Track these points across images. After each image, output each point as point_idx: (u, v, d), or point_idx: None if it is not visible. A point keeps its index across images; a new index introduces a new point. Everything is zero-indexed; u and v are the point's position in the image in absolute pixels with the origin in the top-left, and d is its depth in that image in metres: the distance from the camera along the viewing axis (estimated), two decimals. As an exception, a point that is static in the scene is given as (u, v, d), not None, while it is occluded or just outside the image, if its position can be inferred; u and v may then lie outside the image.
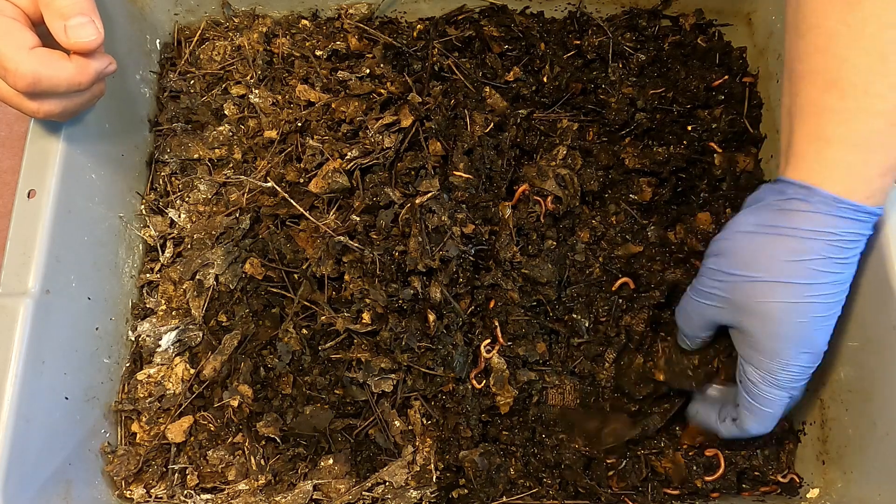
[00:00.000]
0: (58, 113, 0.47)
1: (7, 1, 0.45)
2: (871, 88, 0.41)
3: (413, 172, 0.61)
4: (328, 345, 0.57)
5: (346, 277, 0.57)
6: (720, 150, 0.63)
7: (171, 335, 0.59)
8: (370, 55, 0.66)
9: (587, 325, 0.59)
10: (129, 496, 0.55)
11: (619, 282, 0.60)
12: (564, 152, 0.62)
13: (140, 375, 0.58)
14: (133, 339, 0.59)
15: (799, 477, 0.56)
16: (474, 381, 0.56)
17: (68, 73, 0.45)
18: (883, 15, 0.40)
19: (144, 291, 0.61)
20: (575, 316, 0.59)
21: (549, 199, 0.60)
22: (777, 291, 0.45)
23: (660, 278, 0.60)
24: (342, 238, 0.57)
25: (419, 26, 0.68)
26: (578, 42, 0.67)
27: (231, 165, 0.64)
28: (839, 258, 0.45)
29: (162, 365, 0.58)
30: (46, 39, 0.45)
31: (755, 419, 0.49)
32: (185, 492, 0.55)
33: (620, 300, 0.60)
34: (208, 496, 0.55)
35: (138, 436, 0.57)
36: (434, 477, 0.54)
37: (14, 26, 0.44)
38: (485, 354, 0.56)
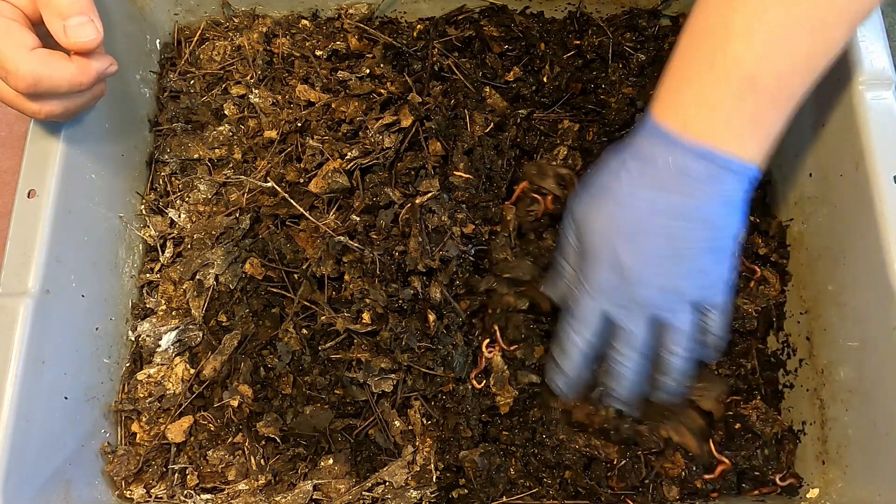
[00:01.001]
0: (59, 113, 0.47)
1: (6, 1, 0.45)
2: (709, 32, 0.45)
3: (413, 172, 0.61)
4: (328, 345, 0.57)
5: (346, 277, 0.57)
6: (720, 150, 0.63)
7: (171, 335, 0.59)
8: (370, 55, 0.66)
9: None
10: (129, 496, 0.55)
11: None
12: (565, 152, 0.62)
13: (140, 375, 0.58)
14: (133, 339, 0.59)
15: (799, 477, 0.56)
16: (474, 381, 0.56)
17: (69, 73, 0.45)
18: None
19: (144, 291, 0.61)
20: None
21: (549, 198, 0.60)
22: (594, 199, 0.49)
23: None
24: (342, 238, 0.57)
25: (419, 26, 0.68)
26: (578, 42, 0.67)
27: (231, 165, 0.64)
28: (643, 178, 0.47)
29: (162, 365, 0.58)
30: (46, 40, 0.45)
31: (570, 320, 0.51)
32: (185, 492, 0.55)
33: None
34: (208, 496, 0.55)
35: (138, 436, 0.57)
36: (434, 477, 0.54)
37: (14, 27, 0.44)
38: (486, 354, 0.56)
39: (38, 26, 0.46)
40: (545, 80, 0.66)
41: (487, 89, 0.64)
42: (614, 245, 0.48)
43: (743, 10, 0.44)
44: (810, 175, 0.57)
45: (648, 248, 0.47)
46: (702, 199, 0.46)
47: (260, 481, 0.54)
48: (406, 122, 0.62)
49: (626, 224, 0.47)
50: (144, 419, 0.57)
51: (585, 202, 0.50)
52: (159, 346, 0.59)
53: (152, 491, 0.55)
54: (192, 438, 0.56)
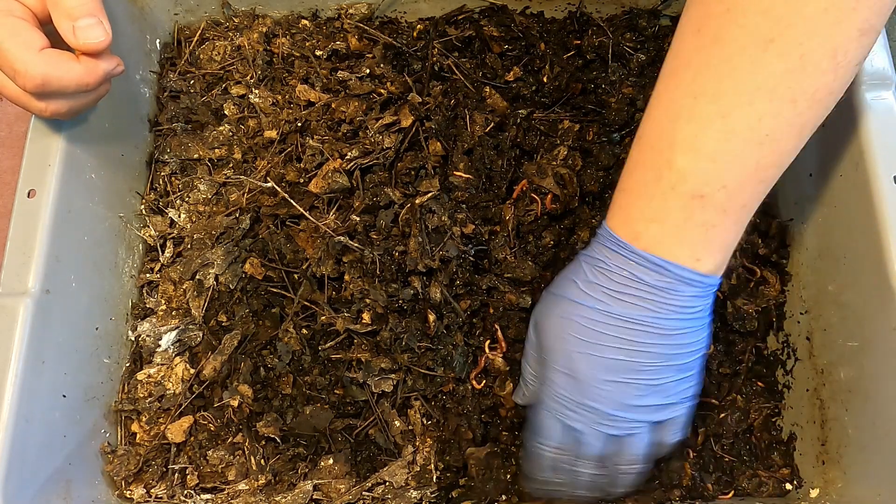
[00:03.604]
0: (64, 112, 0.47)
1: (16, 0, 0.45)
2: (655, 144, 0.44)
3: (413, 172, 0.61)
4: (328, 345, 0.57)
5: (346, 277, 0.57)
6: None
7: (171, 335, 0.59)
8: (370, 55, 0.66)
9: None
10: (129, 496, 0.55)
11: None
12: (565, 152, 0.62)
13: (140, 375, 0.58)
14: (133, 339, 0.59)
15: (799, 477, 0.56)
16: (474, 382, 0.56)
17: (77, 74, 0.45)
18: (689, 85, 0.42)
19: (144, 291, 0.61)
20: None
21: (549, 197, 0.60)
22: (551, 303, 0.48)
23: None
24: (342, 238, 0.57)
25: (419, 26, 0.68)
26: (578, 42, 0.67)
27: (231, 165, 0.64)
28: (597, 283, 0.46)
29: (162, 365, 0.58)
30: (53, 38, 0.45)
31: (532, 429, 0.50)
32: (185, 492, 0.55)
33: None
34: (208, 496, 0.55)
35: (138, 436, 0.57)
36: (434, 477, 0.54)
37: (23, 27, 0.44)
38: (489, 353, 0.56)
39: (46, 25, 0.46)
40: (545, 80, 0.66)
41: (487, 89, 0.64)
42: (568, 348, 0.46)
43: (686, 122, 0.42)
44: (810, 175, 0.57)
45: (602, 354, 0.45)
46: (658, 311, 0.44)
47: (260, 481, 0.54)
48: (406, 122, 0.62)
49: (579, 329, 0.46)
50: (144, 419, 0.57)
51: (543, 305, 0.49)
52: (159, 346, 0.59)
53: (152, 491, 0.55)
54: (192, 438, 0.56)
